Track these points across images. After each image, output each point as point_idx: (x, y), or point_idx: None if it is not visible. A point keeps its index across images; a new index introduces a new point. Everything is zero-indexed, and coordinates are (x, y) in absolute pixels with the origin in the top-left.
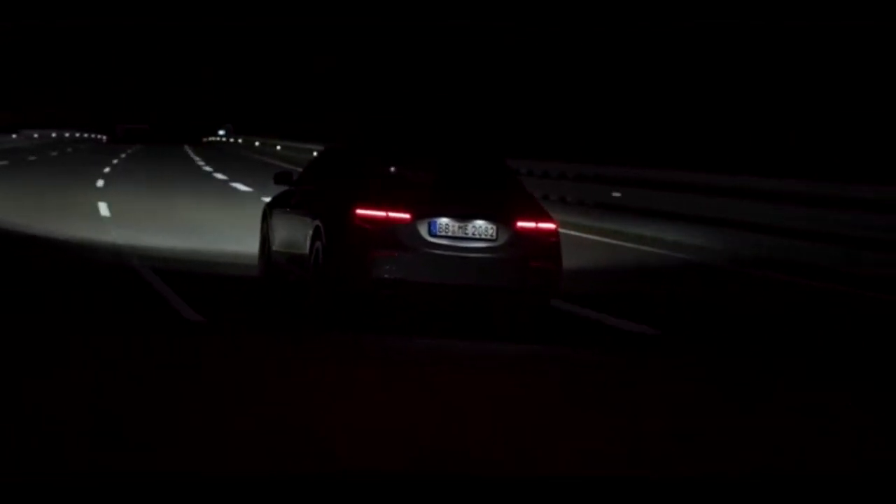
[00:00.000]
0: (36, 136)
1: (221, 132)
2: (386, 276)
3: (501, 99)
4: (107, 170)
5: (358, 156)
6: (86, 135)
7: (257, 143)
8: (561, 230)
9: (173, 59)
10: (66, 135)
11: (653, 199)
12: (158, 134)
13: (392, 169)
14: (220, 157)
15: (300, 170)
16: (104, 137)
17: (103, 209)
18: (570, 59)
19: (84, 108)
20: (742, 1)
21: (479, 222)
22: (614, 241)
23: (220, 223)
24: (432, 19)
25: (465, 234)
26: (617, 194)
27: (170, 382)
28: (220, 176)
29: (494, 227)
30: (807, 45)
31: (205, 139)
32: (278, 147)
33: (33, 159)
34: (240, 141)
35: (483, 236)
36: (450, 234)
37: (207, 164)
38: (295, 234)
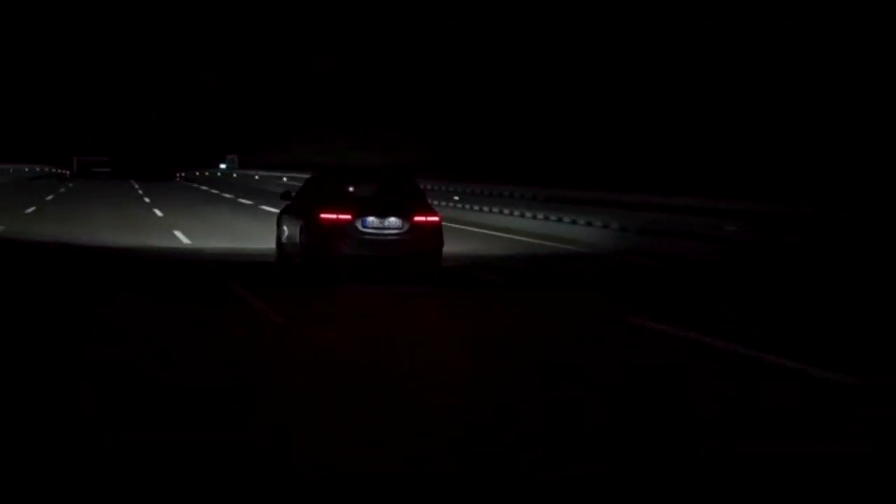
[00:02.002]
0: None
1: (223, 165)
2: (340, 253)
3: (498, 98)
4: (147, 199)
5: (325, 179)
6: (53, 169)
7: (234, 175)
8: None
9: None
10: (26, 169)
11: (577, 211)
12: (121, 169)
13: (344, 187)
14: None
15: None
16: (67, 172)
17: (181, 236)
18: (562, 67)
19: (39, 138)
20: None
21: (392, 219)
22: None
23: (245, 225)
24: (433, 19)
25: (384, 226)
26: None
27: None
28: (227, 195)
29: (401, 221)
30: (797, 50)
31: (180, 173)
32: (256, 177)
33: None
34: (218, 174)
35: (394, 227)
36: (374, 226)
37: (211, 188)
38: (293, 231)
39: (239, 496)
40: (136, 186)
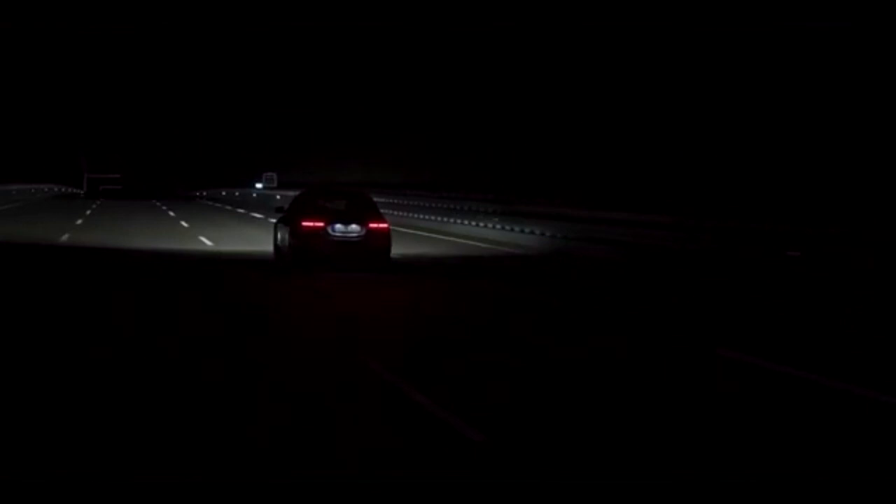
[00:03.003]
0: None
1: (259, 185)
2: (316, 251)
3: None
4: (171, 213)
5: (306, 195)
6: (64, 188)
7: (278, 197)
8: (463, 239)
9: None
10: (32, 190)
11: (517, 222)
12: (133, 187)
13: (319, 202)
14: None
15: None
16: (81, 192)
17: (206, 240)
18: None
19: (48, 153)
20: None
21: (353, 225)
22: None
23: (252, 231)
24: (432, 21)
25: (347, 231)
26: None
27: (255, 285)
28: (241, 210)
29: (360, 227)
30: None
31: (202, 192)
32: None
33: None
34: (254, 194)
35: (355, 232)
36: (341, 231)
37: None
38: (283, 236)
39: (239, 496)
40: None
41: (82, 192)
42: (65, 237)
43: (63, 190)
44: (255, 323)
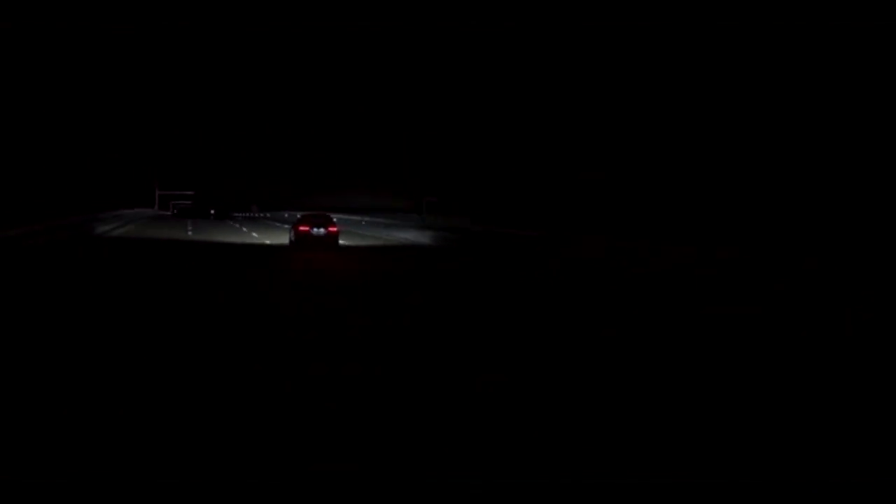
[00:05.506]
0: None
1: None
2: (304, 243)
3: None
4: (237, 225)
5: (303, 216)
6: (152, 210)
7: (279, 214)
8: (396, 240)
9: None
10: (149, 211)
11: (435, 229)
12: (205, 206)
13: (308, 215)
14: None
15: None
16: (170, 213)
17: (255, 235)
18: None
19: (121, 170)
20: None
21: (322, 229)
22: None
23: (281, 233)
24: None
25: (319, 231)
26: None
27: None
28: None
29: (325, 230)
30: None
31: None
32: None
33: (190, 234)
34: (267, 215)
35: (322, 233)
36: (316, 232)
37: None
38: (291, 234)
39: (237, 497)
40: None
41: (171, 212)
42: (188, 234)
43: (153, 211)
44: (277, 262)
